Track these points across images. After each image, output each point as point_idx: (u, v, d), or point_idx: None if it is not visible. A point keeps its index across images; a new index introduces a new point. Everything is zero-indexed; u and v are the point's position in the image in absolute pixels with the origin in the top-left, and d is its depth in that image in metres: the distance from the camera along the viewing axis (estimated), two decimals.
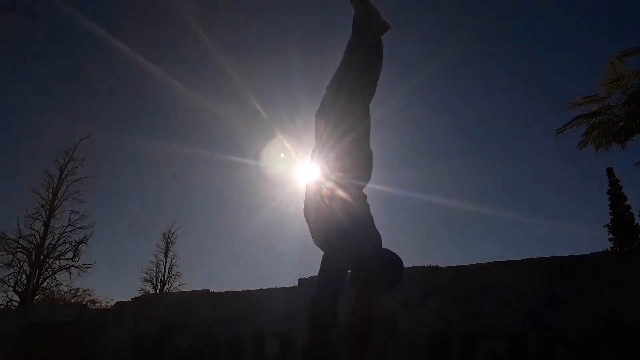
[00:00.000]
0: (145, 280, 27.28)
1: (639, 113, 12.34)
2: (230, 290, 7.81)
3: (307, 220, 2.25)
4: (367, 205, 2.22)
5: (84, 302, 21.56)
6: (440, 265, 5.92)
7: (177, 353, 7.47)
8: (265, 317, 6.85)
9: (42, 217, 22.43)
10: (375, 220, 2.22)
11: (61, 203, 23.07)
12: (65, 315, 9.56)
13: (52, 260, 22.67)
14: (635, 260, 4.98)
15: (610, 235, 24.03)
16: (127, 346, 8.08)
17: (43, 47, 32.83)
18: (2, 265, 21.19)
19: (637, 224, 23.57)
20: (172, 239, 28.41)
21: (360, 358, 2.08)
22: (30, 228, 22.09)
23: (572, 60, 36.70)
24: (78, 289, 23.62)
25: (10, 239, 21.47)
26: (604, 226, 24.50)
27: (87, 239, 22.84)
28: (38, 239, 22.08)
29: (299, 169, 3.03)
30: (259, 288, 7.35)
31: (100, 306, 20.09)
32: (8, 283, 21.27)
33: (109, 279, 35.19)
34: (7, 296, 21.29)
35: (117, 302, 9.20)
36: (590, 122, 13.13)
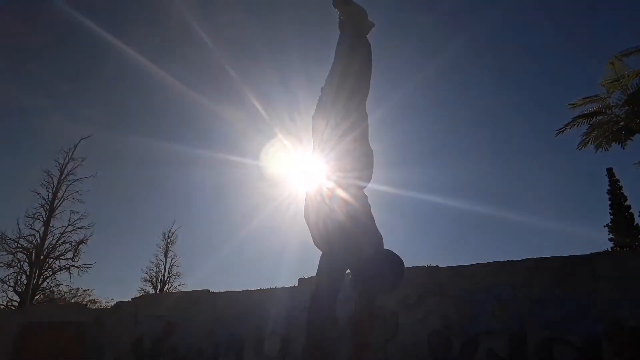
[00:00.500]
0: (145, 280, 27.26)
1: (639, 113, 12.34)
2: (230, 290, 7.83)
3: (307, 222, 2.25)
4: (368, 206, 2.23)
5: (84, 302, 21.56)
6: (440, 265, 5.93)
7: (177, 353, 7.47)
8: (265, 317, 6.86)
9: (42, 217, 22.43)
10: (375, 221, 2.22)
11: (61, 203, 23.07)
12: (65, 315, 9.56)
13: (52, 260, 22.69)
14: (635, 260, 4.98)
15: (610, 235, 24.03)
16: (127, 346, 8.08)
17: (43, 47, 32.85)
18: (2, 265, 21.21)
19: (637, 224, 23.57)
20: (172, 239, 28.37)
21: (361, 358, 2.08)
22: (30, 228, 22.11)
23: (572, 60, 36.71)
24: (78, 289, 23.65)
25: (10, 239, 21.49)
26: (604, 226, 24.51)
27: (87, 239, 22.85)
28: (38, 239, 22.08)
29: (299, 169, 3.04)
30: (259, 288, 7.36)
31: (100, 306, 20.07)
32: (8, 283, 21.29)
33: (109, 279, 35.20)
34: (7, 296, 21.32)
35: (117, 302, 9.21)
36: (590, 122, 13.13)
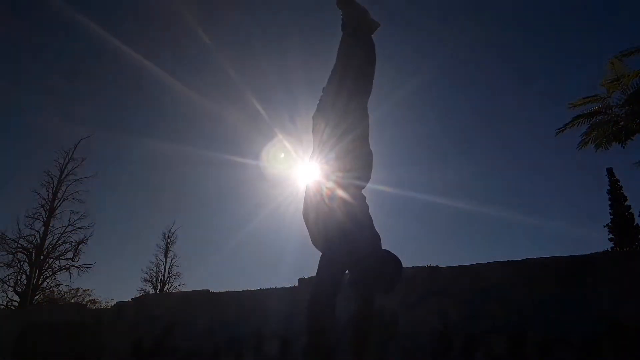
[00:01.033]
0: (145, 280, 27.29)
1: (639, 113, 12.33)
2: (230, 290, 7.82)
3: (306, 222, 2.25)
4: (367, 206, 2.23)
5: (84, 302, 21.57)
6: (440, 265, 5.92)
7: (177, 353, 7.47)
8: (265, 317, 6.86)
9: (42, 217, 22.45)
10: (374, 221, 2.22)
11: (61, 203, 23.10)
12: (65, 315, 9.56)
13: (52, 260, 22.70)
14: (635, 260, 4.98)
15: (610, 235, 24.04)
16: (127, 346, 8.08)
17: (43, 47, 32.84)
18: (2, 265, 21.22)
19: (637, 224, 23.58)
20: (172, 239, 28.41)
21: (361, 358, 2.08)
22: (30, 228, 22.13)
23: (572, 60, 36.70)
24: (78, 289, 23.68)
25: (10, 239, 21.50)
26: (604, 226, 24.53)
27: (87, 239, 22.87)
28: (38, 239, 22.09)
29: (299, 169, 3.04)
30: (259, 288, 7.36)
31: (100, 306, 20.10)
32: (8, 283, 21.30)
33: (109, 279, 35.20)
34: (7, 296, 21.32)
35: (117, 302, 9.21)
36: (591, 122, 13.12)
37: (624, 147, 13.04)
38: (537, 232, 37.85)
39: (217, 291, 7.94)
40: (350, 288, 2.14)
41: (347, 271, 2.17)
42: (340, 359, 2.07)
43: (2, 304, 21.06)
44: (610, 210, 24.38)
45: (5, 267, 21.26)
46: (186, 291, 10.98)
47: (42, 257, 22.00)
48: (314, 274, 2.14)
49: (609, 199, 24.66)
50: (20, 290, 21.20)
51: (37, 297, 21.80)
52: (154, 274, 27.47)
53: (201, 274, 36.72)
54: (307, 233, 2.27)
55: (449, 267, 5.81)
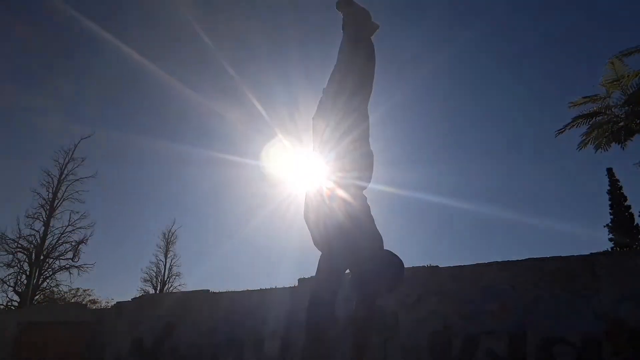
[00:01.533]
0: (145, 280, 27.25)
1: (639, 113, 12.33)
2: (230, 290, 7.82)
3: (307, 223, 2.25)
4: (368, 207, 2.23)
5: (84, 302, 21.54)
6: (440, 265, 5.92)
7: (177, 353, 7.47)
8: (265, 317, 6.86)
9: (42, 217, 22.43)
10: (375, 221, 2.22)
11: (61, 203, 23.08)
12: (65, 315, 9.56)
13: (52, 260, 22.68)
14: (635, 260, 4.98)
15: (610, 235, 24.03)
16: (127, 346, 8.08)
17: (43, 47, 32.82)
18: (2, 265, 21.20)
19: (637, 224, 23.57)
20: (172, 239, 28.38)
21: (361, 358, 2.08)
22: (30, 228, 22.11)
23: (572, 60, 36.71)
24: (78, 289, 23.62)
25: (10, 239, 21.48)
26: (604, 226, 24.52)
27: (87, 239, 22.85)
28: (38, 239, 22.08)
29: (299, 169, 3.04)
30: (259, 288, 7.36)
31: (100, 306, 20.06)
32: (8, 283, 21.28)
33: (109, 279, 35.16)
34: (7, 296, 21.31)
35: (117, 302, 9.21)
36: (590, 122, 13.12)
37: (623, 148, 13.05)
38: (537, 232, 37.89)
39: (217, 291, 7.95)
40: (350, 288, 2.14)
41: (347, 271, 2.17)
42: (340, 359, 2.08)
43: (2, 304, 21.07)
44: (610, 210, 24.37)
45: (5, 267, 21.27)
46: (186, 291, 10.97)
47: (42, 257, 21.99)
48: (314, 274, 2.14)
49: (609, 199, 24.65)
50: (20, 290, 21.19)
51: (37, 297, 21.79)
52: (154, 274, 27.45)
53: (201, 274, 36.72)
54: (307, 233, 2.27)
55: (449, 267, 5.82)
